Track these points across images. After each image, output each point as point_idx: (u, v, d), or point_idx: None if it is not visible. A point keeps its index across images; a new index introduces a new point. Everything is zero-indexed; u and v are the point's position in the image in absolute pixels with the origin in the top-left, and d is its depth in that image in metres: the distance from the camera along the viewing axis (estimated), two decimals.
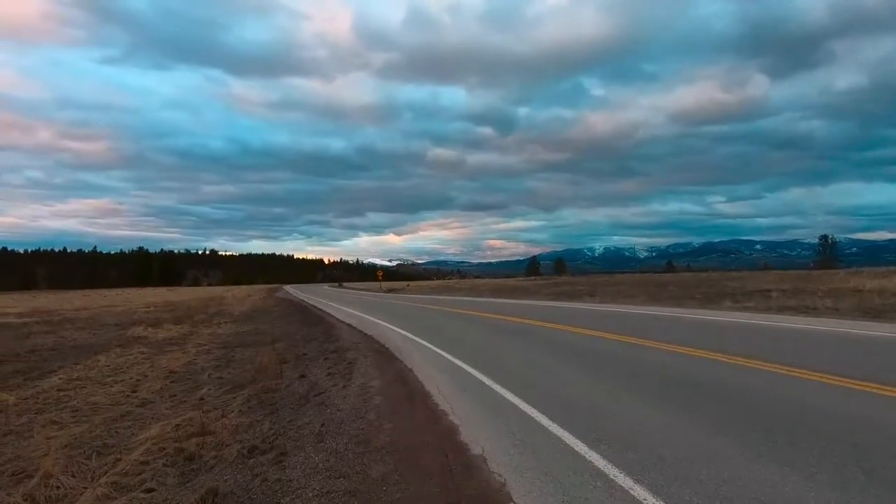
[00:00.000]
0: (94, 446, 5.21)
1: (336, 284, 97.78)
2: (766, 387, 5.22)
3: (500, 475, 3.44)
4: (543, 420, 4.48)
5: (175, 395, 7.82)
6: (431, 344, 9.81)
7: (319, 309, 24.59)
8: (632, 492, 3.04)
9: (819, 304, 14.08)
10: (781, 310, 13.43)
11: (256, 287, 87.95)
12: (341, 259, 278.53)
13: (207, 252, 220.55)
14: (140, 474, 4.21)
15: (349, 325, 15.67)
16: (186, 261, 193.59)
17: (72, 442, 5.38)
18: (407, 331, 12.45)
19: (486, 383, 6.10)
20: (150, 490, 3.91)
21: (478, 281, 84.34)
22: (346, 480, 3.58)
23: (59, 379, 8.98)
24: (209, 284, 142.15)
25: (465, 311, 17.88)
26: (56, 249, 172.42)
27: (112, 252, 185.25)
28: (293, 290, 60.18)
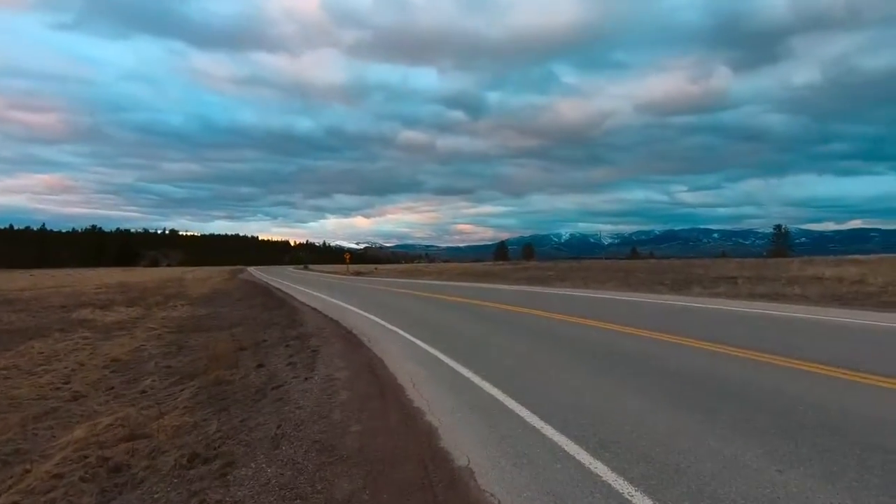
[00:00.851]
0: (2, 453, 4.39)
1: (302, 267, 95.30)
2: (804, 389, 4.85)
3: (491, 494, 2.87)
4: (536, 422, 3.93)
5: (113, 388, 6.96)
6: (402, 330, 9.18)
7: (283, 292, 23.55)
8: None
9: (787, 291, 14.21)
10: (752, 297, 13.39)
11: (218, 269, 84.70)
12: (308, 241, 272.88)
13: (167, 232, 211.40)
14: (49, 492, 3.43)
15: (314, 308, 14.85)
16: (144, 241, 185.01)
17: None
18: (376, 315, 11.77)
19: (466, 375, 5.53)
20: None
21: (446, 265, 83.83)
22: (305, 503, 2.93)
23: None
24: (168, 265, 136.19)
25: (435, 295, 17.29)
26: (1, 227, 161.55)
27: (63, 231, 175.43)
28: (257, 273, 58.22)
